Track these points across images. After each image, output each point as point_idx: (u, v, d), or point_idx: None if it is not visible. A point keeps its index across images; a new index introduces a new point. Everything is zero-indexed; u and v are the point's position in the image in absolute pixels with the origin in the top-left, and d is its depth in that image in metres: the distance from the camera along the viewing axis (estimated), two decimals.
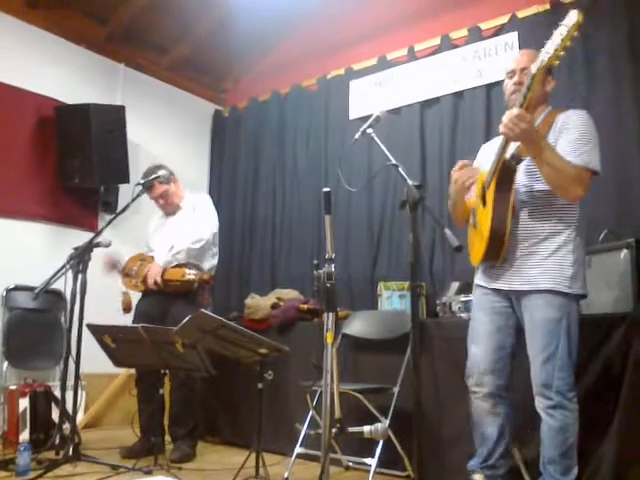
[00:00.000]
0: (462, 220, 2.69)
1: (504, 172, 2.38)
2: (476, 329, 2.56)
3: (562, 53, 2.11)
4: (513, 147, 2.43)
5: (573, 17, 2.09)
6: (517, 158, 2.40)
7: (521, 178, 2.43)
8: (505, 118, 2.22)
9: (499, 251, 2.40)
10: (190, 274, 3.52)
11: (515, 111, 2.20)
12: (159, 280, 3.56)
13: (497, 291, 2.49)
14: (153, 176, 3.71)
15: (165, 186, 3.79)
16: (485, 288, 2.55)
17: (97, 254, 3.44)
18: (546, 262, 2.35)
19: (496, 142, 2.57)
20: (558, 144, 2.35)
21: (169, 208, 3.88)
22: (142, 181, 3.67)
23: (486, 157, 2.58)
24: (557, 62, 2.15)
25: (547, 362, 2.29)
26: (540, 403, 2.32)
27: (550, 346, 2.29)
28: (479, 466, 2.51)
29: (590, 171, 2.31)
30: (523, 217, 2.41)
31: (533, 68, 2.19)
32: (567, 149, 2.31)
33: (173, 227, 3.83)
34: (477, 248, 2.49)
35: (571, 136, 2.34)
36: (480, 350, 2.50)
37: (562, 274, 2.33)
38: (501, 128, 2.25)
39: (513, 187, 2.39)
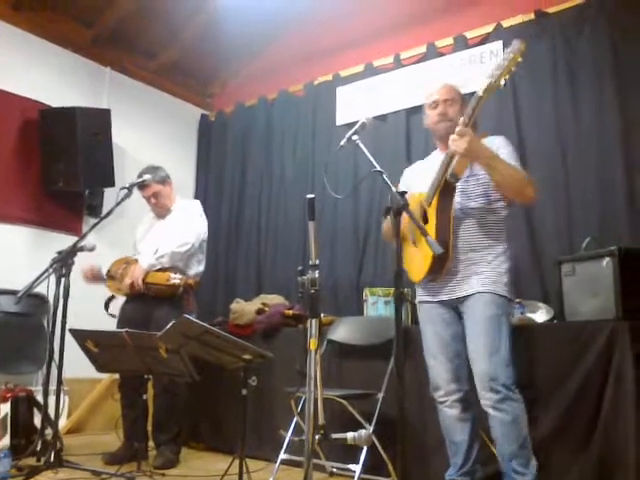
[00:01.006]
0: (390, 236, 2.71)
1: (446, 189, 2.53)
2: (431, 342, 2.67)
3: (507, 77, 2.32)
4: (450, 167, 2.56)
5: (516, 45, 2.31)
6: (455, 177, 2.52)
7: (457, 197, 2.57)
8: (452, 135, 2.39)
9: (444, 264, 2.52)
10: (175, 278, 3.50)
11: (461, 128, 2.37)
12: (140, 283, 3.54)
13: (442, 302, 2.62)
14: (143, 177, 3.70)
15: (159, 186, 3.78)
16: (431, 302, 2.67)
17: (81, 258, 3.41)
18: (485, 270, 2.52)
19: (431, 161, 2.77)
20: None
21: (160, 210, 3.86)
22: (129, 185, 3.64)
23: (415, 179, 2.76)
24: (502, 84, 2.35)
25: (493, 355, 2.41)
26: (488, 400, 2.39)
27: (494, 341, 2.43)
28: (457, 474, 2.55)
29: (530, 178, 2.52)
30: (462, 232, 2.57)
31: (480, 91, 2.36)
32: (508, 161, 2.49)
33: (161, 230, 3.81)
34: (418, 265, 2.58)
35: (505, 154, 2.52)
36: (439, 362, 2.62)
37: (500, 280, 2.52)
38: (450, 143, 2.40)
39: (453, 204, 2.54)
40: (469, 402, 2.58)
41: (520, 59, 2.30)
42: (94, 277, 3.77)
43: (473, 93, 2.42)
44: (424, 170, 2.75)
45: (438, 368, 2.61)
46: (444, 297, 2.61)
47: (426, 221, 2.55)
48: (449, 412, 2.60)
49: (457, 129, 2.38)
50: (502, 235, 2.60)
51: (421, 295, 2.72)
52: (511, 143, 2.65)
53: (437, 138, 2.78)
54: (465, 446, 2.57)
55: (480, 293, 2.49)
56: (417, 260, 2.58)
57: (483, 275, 2.51)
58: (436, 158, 2.73)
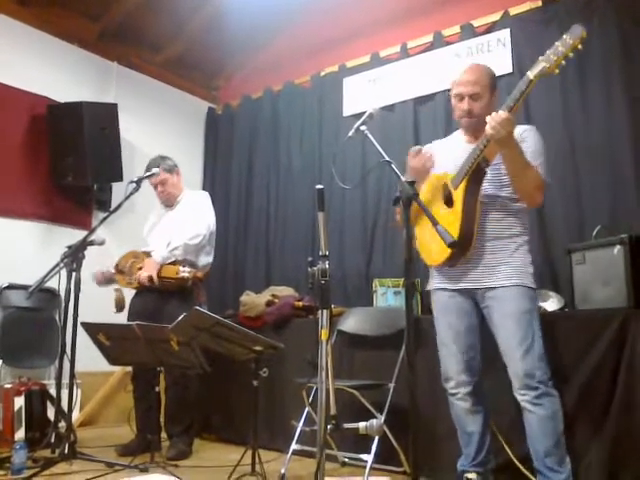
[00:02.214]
0: (414, 216, 2.59)
1: (476, 174, 2.46)
2: (445, 332, 2.62)
3: (563, 62, 2.19)
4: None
5: (578, 31, 2.16)
6: (486, 162, 2.46)
7: (484, 183, 2.51)
8: (493, 120, 2.27)
9: (466, 251, 2.47)
10: (184, 271, 3.51)
11: (504, 114, 2.26)
12: (155, 276, 3.55)
13: (461, 291, 2.56)
14: (151, 170, 3.70)
15: (167, 174, 3.79)
16: (449, 290, 2.60)
17: (91, 252, 3.43)
18: (511, 259, 2.47)
19: (451, 142, 2.70)
20: None
21: (167, 199, 3.87)
22: (137, 178, 3.65)
23: (444, 157, 2.60)
24: (557, 71, 2.23)
25: (528, 353, 2.36)
26: (526, 396, 2.36)
27: (528, 337, 2.38)
28: (470, 464, 2.55)
29: (544, 182, 2.46)
30: (486, 218, 2.51)
31: (530, 75, 2.25)
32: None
33: (170, 222, 3.83)
34: (436, 249, 2.51)
35: (529, 149, 2.44)
36: (452, 352, 2.58)
37: (526, 270, 2.48)
38: (488, 129, 2.29)
39: (481, 189, 2.48)
40: (480, 394, 2.56)
41: (580, 46, 2.15)
42: (106, 280, 3.80)
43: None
44: (444, 150, 2.65)
45: (450, 359, 2.59)
46: (465, 285, 2.54)
47: (451, 204, 2.49)
48: (460, 404, 2.58)
49: (500, 113, 2.26)
50: (526, 225, 2.56)
51: (437, 282, 2.65)
52: (540, 137, 2.54)
53: (460, 126, 2.69)
54: (477, 437, 2.56)
55: (509, 286, 2.43)
56: (435, 244, 2.47)
57: (510, 265, 2.46)
58: (458, 139, 2.68)
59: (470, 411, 2.57)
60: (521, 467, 2.67)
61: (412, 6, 4.63)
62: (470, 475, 2.55)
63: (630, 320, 2.54)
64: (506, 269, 2.45)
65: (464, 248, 2.45)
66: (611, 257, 2.69)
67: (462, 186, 2.46)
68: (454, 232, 2.39)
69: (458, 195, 2.47)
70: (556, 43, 2.18)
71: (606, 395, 2.57)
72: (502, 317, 2.44)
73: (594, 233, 2.96)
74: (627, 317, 2.56)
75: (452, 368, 2.58)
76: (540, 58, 2.23)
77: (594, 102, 3.60)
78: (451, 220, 2.44)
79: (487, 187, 2.51)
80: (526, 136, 2.49)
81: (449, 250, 2.40)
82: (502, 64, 3.97)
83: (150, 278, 3.54)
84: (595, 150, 3.56)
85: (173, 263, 3.60)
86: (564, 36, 2.18)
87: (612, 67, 3.56)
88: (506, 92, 3.84)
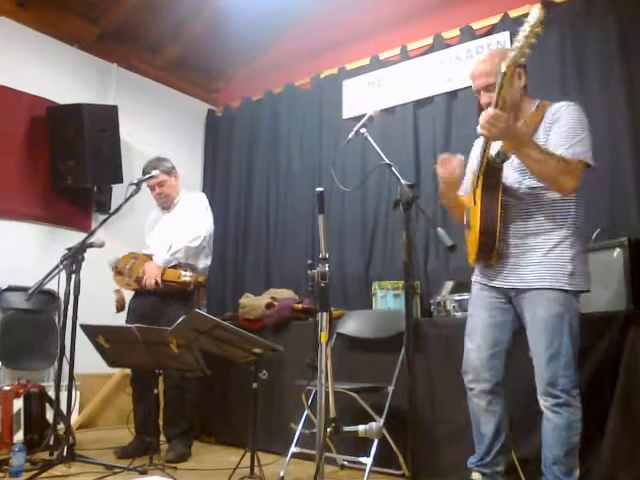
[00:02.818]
0: (460, 217, 2.66)
1: (490, 171, 2.39)
2: (474, 325, 2.55)
3: (527, 50, 2.10)
4: (497, 145, 2.42)
5: (535, 14, 2.08)
6: (503, 156, 2.39)
7: (512, 175, 2.44)
8: (482, 119, 2.22)
9: (492, 250, 2.40)
10: (186, 276, 3.52)
11: (491, 111, 2.19)
12: (159, 280, 3.54)
13: (496, 289, 2.49)
14: (151, 172, 3.70)
15: (165, 176, 3.78)
16: (483, 285, 2.54)
17: (90, 254, 3.42)
18: (545, 259, 2.34)
19: (479, 141, 2.59)
20: (550, 137, 2.35)
21: (164, 201, 3.87)
22: (137, 180, 3.65)
23: (475, 154, 2.58)
24: (523, 59, 2.14)
25: (552, 360, 2.28)
26: (546, 402, 2.30)
27: (554, 344, 2.29)
28: (476, 464, 2.52)
29: (581, 162, 2.29)
30: (515, 214, 2.42)
31: (503, 67, 2.17)
32: (558, 142, 2.32)
33: (169, 224, 3.83)
34: (471, 247, 2.50)
35: (562, 129, 2.33)
36: (476, 346, 2.50)
37: (562, 271, 2.31)
38: (479, 129, 2.25)
39: (500, 185, 2.39)
40: (497, 394, 2.47)
41: (538, 29, 2.08)
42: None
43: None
44: (479, 146, 2.55)
45: (473, 353, 2.51)
46: (499, 284, 2.46)
47: (475, 203, 2.45)
48: (476, 401, 2.51)
49: (487, 111, 2.21)
50: (569, 217, 2.36)
51: (476, 275, 2.60)
52: (579, 114, 2.36)
53: None
54: (489, 438, 2.49)
55: (539, 290, 2.32)
56: (470, 242, 2.48)
57: (540, 266, 2.33)
58: None
59: (485, 410, 2.48)
60: (520, 471, 2.66)
61: (412, 9, 4.63)
62: (475, 475, 2.51)
63: (629, 323, 2.54)
64: (538, 270, 2.34)
65: (489, 248, 2.39)
66: (610, 260, 2.69)
67: (480, 184, 2.42)
68: (476, 231, 2.38)
69: (478, 194, 2.42)
70: (520, 29, 2.13)
71: (606, 397, 2.56)
72: (531, 321, 2.37)
73: (593, 236, 2.95)
74: (626, 320, 2.55)
75: (473, 362, 2.50)
76: (510, 48, 2.19)
77: (593, 103, 3.59)
78: (475, 219, 2.42)
79: (515, 179, 2.43)
80: (559, 115, 2.36)
81: (476, 249, 2.39)
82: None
83: (156, 283, 3.54)
84: (594, 152, 3.55)
85: (175, 267, 3.60)
86: (525, 21, 2.11)
87: (611, 68, 3.57)
88: None
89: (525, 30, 2.08)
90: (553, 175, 2.26)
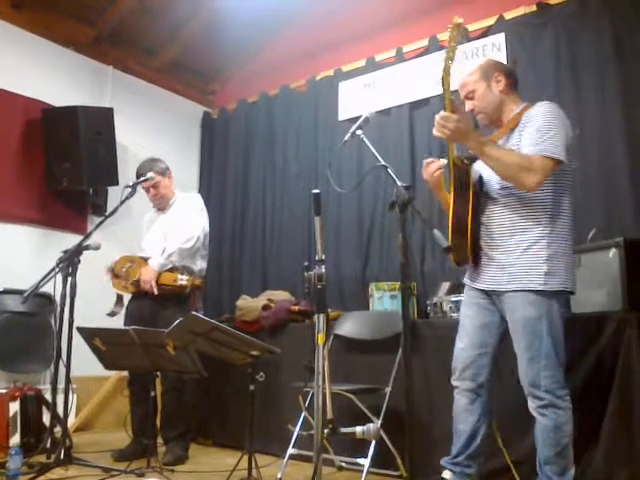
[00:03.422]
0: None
1: (457, 173, 2.46)
2: (463, 325, 2.59)
3: (452, 54, 2.33)
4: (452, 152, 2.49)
5: (454, 20, 2.29)
6: (471, 157, 2.44)
7: (486, 174, 2.49)
8: (436, 122, 2.33)
9: (465, 251, 2.45)
10: (182, 279, 3.52)
11: (441, 113, 2.32)
12: (154, 285, 3.54)
13: (480, 290, 2.52)
14: (146, 175, 3.69)
15: (159, 177, 3.78)
16: (470, 286, 2.59)
17: (86, 257, 3.42)
18: (519, 260, 2.35)
19: None
20: (522, 138, 2.39)
21: (159, 202, 3.87)
22: (132, 183, 3.65)
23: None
24: (450, 62, 2.35)
25: (532, 362, 2.30)
26: (532, 403, 2.33)
27: (533, 345, 2.30)
28: (448, 461, 2.53)
29: (546, 159, 2.28)
30: (489, 214, 2.46)
31: (441, 73, 2.35)
32: (528, 141, 2.35)
33: (163, 226, 3.83)
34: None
35: (532, 128, 2.36)
36: (464, 346, 2.54)
37: (537, 272, 2.31)
38: (434, 131, 2.35)
39: (470, 185, 2.45)
40: (480, 395, 2.49)
41: (456, 33, 2.31)
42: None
43: None
44: None
45: (460, 352, 2.54)
46: (480, 285, 2.50)
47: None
48: (458, 398, 2.54)
49: (440, 114, 2.33)
50: (545, 215, 2.35)
51: (466, 276, 2.63)
52: (553, 112, 2.36)
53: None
54: (465, 437, 2.49)
55: (515, 291, 2.35)
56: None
57: (515, 267, 2.35)
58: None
59: (465, 409, 2.51)
60: (513, 471, 2.66)
61: (407, 10, 4.64)
62: (446, 474, 2.51)
63: (625, 323, 2.55)
64: (513, 271, 2.36)
65: (462, 249, 2.43)
66: (606, 260, 2.70)
67: (451, 189, 2.47)
68: (450, 233, 2.43)
69: (451, 195, 2.49)
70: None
71: (602, 398, 2.57)
72: (511, 323, 2.40)
73: (589, 236, 2.97)
74: (622, 320, 2.56)
75: (461, 361, 2.53)
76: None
77: (588, 103, 3.62)
78: (450, 221, 2.46)
79: (487, 180, 2.47)
80: (533, 115, 2.39)
81: (453, 249, 2.42)
82: None
83: (152, 287, 3.53)
84: (589, 153, 3.57)
85: (171, 270, 3.59)
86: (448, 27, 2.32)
87: (605, 68, 3.58)
88: None
89: (449, 35, 2.33)
90: (512, 172, 2.30)
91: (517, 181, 2.31)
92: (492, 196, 2.46)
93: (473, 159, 2.44)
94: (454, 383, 2.56)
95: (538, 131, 2.33)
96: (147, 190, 3.82)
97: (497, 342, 2.51)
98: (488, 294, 2.50)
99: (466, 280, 2.62)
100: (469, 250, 2.44)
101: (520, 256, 2.35)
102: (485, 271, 2.46)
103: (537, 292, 2.31)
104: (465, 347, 2.53)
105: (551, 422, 2.27)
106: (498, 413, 2.58)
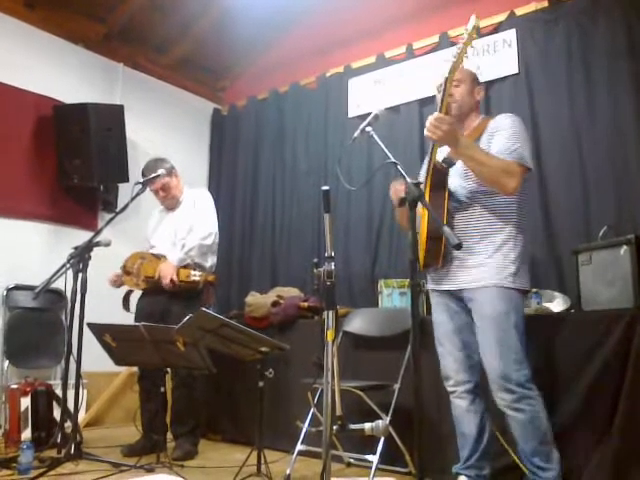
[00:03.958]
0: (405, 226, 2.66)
1: (436, 175, 2.49)
2: (439, 331, 2.63)
3: (464, 55, 2.31)
4: (445, 151, 2.52)
5: (472, 22, 2.27)
6: (449, 161, 2.48)
7: (456, 180, 2.53)
8: (427, 122, 2.33)
9: (438, 253, 2.47)
10: (195, 275, 3.52)
11: (435, 114, 2.33)
12: (175, 279, 3.52)
13: (448, 293, 2.56)
14: (156, 172, 3.69)
15: (166, 178, 3.77)
16: (437, 291, 2.61)
17: (97, 253, 3.44)
18: (490, 260, 2.43)
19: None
20: (492, 145, 2.46)
21: (169, 202, 3.87)
22: (143, 180, 3.66)
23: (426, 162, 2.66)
24: (461, 63, 2.34)
25: (504, 355, 2.35)
26: (503, 400, 2.36)
27: (504, 339, 2.36)
28: (460, 468, 2.56)
29: (522, 166, 2.39)
30: (460, 217, 2.50)
31: (445, 73, 2.33)
32: (500, 148, 2.42)
33: (173, 222, 3.83)
34: (420, 253, 2.53)
35: (503, 136, 2.44)
36: (448, 350, 2.58)
37: (507, 271, 2.41)
38: (425, 132, 2.36)
39: (446, 189, 2.49)
40: (479, 394, 2.54)
41: (476, 35, 2.29)
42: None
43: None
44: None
45: (447, 357, 2.58)
46: (447, 287, 2.55)
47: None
48: (458, 403, 2.57)
49: (434, 115, 2.33)
50: (512, 218, 2.47)
51: (430, 283, 2.67)
52: (519, 123, 2.51)
53: None
54: (472, 439, 2.53)
55: (485, 287, 2.41)
56: (420, 248, 2.52)
57: (486, 266, 2.42)
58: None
59: (467, 410, 2.54)
60: (524, 468, 2.65)
61: (418, 7, 4.62)
62: (461, 478, 2.54)
63: (636, 321, 2.53)
64: (483, 270, 2.43)
65: (435, 251, 2.47)
66: (617, 258, 2.68)
67: (427, 189, 2.50)
68: (423, 235, 2.47)
69: (425, 199, 2.49)
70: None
71: (613, 396, 2.55)
72: (479, 319, 2.45)
73: (600, 234, 2.95)
74: (633, 318, 2.54)
75: (450, 366, 2.58)
76: (451, 56, 2.35)
77: (600, 102, 3.59)
78: (423, 226, 2.48)
79: (459, 183, 2.52)
80: (500, 125, 2.49)
81: (423, 254, 2.47)
82: (508, 65, 3.97)
83: (172, 282, 3.52)
84: (601, 150, 3.55)
85: (184, 267, 3.60)
86: (463, 30, 2.30)
87: (618, 67, 3.55)
88: (513, 92, 3.91)
89: (463, 37, 2.30)
90: (495, 176, 2.36)
91: (500, 184, 2.38)
92: (461, 200, 2.51)
93: (451, 164, 2.49)
94: (450, 388, 2.60)
95: (509, 139, 2.43)
96: (156, 192, 3.82)
97: (476, 341, 2.53)
98: (455, 295, 2.54)
99: (430, 285, 2.66)
100: (442, 252, 2.47)
101: (491, 256, 2.44)
102: (454, 272, 2.51)
103: (506, 289, 2.39)
104: (449, 351, 2.57)
105: (527, 415, 2.32)
106: (493, 412, 2.58)
